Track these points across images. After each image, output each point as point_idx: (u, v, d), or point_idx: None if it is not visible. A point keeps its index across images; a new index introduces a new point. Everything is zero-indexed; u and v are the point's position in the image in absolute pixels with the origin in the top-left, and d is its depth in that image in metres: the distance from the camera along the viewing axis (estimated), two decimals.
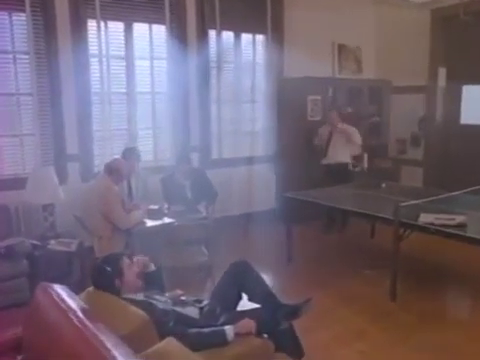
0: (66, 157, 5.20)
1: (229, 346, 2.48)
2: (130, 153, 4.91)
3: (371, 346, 3.42)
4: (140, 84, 5.64)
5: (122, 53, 5.46)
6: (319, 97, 6.37)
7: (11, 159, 4.98)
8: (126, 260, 2.74)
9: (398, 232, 3.89)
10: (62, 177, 5.11)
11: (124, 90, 5.54)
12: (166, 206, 4.89)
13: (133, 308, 2.45)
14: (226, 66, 6.24)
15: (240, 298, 2.98)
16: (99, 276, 2.64)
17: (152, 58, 5.67)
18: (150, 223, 4.45)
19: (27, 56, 4.90)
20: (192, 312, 2.76)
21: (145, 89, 5.69)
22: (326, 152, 6.02)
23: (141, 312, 2.40)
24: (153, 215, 4.59)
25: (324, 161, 6.07)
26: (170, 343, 2.10)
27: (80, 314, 2.41)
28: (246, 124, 6.51)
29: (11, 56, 4.86)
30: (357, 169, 6.58)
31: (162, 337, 2.42)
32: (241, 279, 2.96)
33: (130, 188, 4.99)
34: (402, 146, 7.17)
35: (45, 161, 5.09)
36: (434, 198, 4.33)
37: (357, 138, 5.93)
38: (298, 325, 2.94)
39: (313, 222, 6.08)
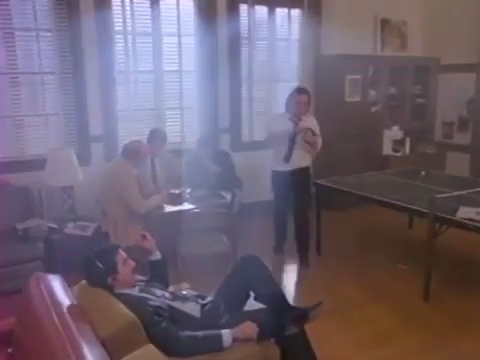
0: (89, 138, 5.07)
1: (225, 352, 2.26)
2: (154, 135, 4.70)
3: (397, 352, 3.10)
4: (167, 62, 5.40)
5: (148, 29, 5.23)
6: (359, 76, 5.94)
7: (34, 139, 4.89)
8: (122, 254, 2.53)
9: (433, 227, 3.51)
10: (85, 158, 5.02)
11: (150, 68, 5.33)
12: (188, 191, 4.69)
13: (120, 307, 2.26)
14: (258, 43, 5.90)
15: (248, 297, 2.74)
16: (90, 272, 2.45)
17: (180, 35, 5.42)
18: (168, 208, 4.26)
19: (49, 34, 4.77)
20: (192, 309, 2.54)
21: (172, 67, 5.46)
22: (290, 155, 4.33)
23: (128, 313, 2.20)
24: (173, 200, 4.38)
25: (281, 167, 4.44)
26: (147, 350, 1.88)
27: (64, 311, 2.24)
28: (279, 105, 6.15)
29: (34, 34, 4.73)
30: (398, 154, 6.16)
31: (152, 338, 2.24)
32: (250, 276, 2.71)
33: (154, 171, 4.81)
34: (448, 130, 6.64)
35: (69, 141, 4.98)
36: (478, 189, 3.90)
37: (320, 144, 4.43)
38: (317, 326, 2.70)
39: (349, 209, 5.74)
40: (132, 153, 4.19)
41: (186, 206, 4.35)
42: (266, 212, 5.00)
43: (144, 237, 2.90)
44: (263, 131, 5.97)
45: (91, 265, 2.45)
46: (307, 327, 2.60)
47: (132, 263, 2.54)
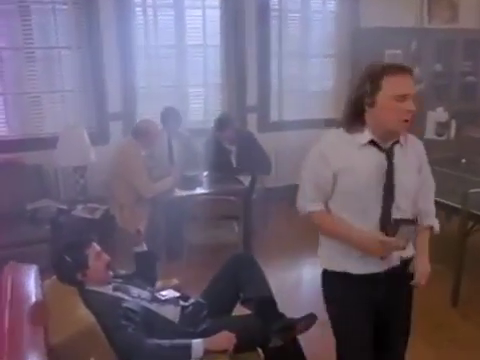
0: (108, 115, 4.89)
1: None
2: (168, 114, 4.46)
3: None
4: (190, 36, 5.10)
5: (170, 1, 4.94)
6: (399, 51, 5.39)
7: (50, 117, 4.76)
8: (94, 248, 2.31)
9: (465, 225, 3.08)
10: (104, 137, 4.85)
11: (172, 43, 5.05)
12: (205, 174, 4.43)
13: (80, 311, 2.04)
14: (290, 15, 5.48)
15: (238, 300, 2.47)
16: (59, 267, 2.25)
17: (204, 7, 5.09)
18: (179, 192, 4.02)
19: (66, 6, 4.57)
20: (170, 313, 2.29)
21: (196, 42, 5.15)
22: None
23: (86, 318, 1.99)
24: (186, 183, 4.15)
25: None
26: None
27: (22, 309, 2.06)
28: (313, 82, 5.76)
29: (50, 7, 4.55)
30: (442, 138, 5.61)
31: (115, 344, 2.02)
32: (240, 277, 2.42)
33: (171, 152, 4.57)
34: None
35: (86, 119, 4.82)
36: None
37: None
38: (321, 335, 2.34)
39: None
40: (141, 133, 3.97)
41: (198, 191, 4.10)
42: (292, 198, 4.67)
43: (139, 232, 2.72)
44: (294, 112, 5.71)
45: (59, 259, 2.25)
46: (308, 337, 2.30)
47: (106, 258, 2.32)
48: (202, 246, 3.77)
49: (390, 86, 1.71)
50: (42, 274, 2.38)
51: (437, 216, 2.11)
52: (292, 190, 5.00)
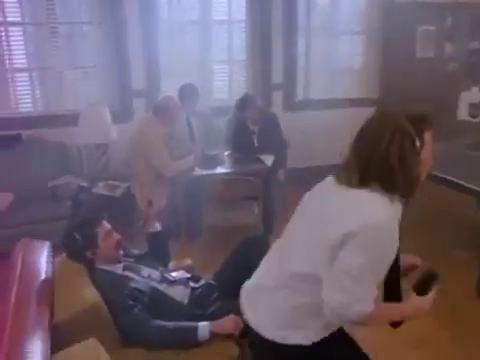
0: (131, 92, 4.84)
1: (197, 348, 1.96)
2: (185, 91, 4.36)
3: None
4: (215, 11, 4.97)
5: None
6: (433, 27, 5.15)
7: (73, 93, 4.74)
8: (105, 227, 2.28)
9: None
10: (127, 114, 4.81)
11: (196, 18, 4.94)
12: (226, 153, 4.35)
13: (87, 290, 2.03)
14: None
15: None
16: (68, 244, 2.24)
17: None
18: (199, 171, 3.96)
19: None
20: (179, 294, 2.26)
21: (221, 17, 5.02)
22: None
23: (92, 297, 1.98)
24: (207, 163, 4.09)
25: None
26: (88, 345, 1.63)
27: (30, 285, 2.05)
28: (341, 60, 5.56)
29: None
30: (476, 120, 5.35)
31: (120, 324, 1.99)
32: (252, 260, 2.35)
33: (191, 130, 4.50)
34: None
35: (109, 96, 4.78)
36: None
37: None
38: None
39: None
40: (161, 110, 3.91)
41: (218, 170, 4.03)
42: (318, 179, 4.56)
43: (150, 204, 2.64)
44: (321, 91, 5.53)
45: (70, 237, 2.23)
46: None
47: (116, 237, 2.30)
48: (221, 227, 3.71)
49: (429, 140, 1.56)
50: (57, 251, 2.38)
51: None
52: (313, 171, 4.94)
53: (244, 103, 4.34)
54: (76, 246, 2.21)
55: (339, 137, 5.18)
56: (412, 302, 1.64)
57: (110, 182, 4.20)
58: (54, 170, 4.25)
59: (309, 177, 4.73)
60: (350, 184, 1.54)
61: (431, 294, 1.64)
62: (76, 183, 4.11)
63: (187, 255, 2.91)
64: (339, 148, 5.05)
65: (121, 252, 2.30)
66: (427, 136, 1.54)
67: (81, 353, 1.61)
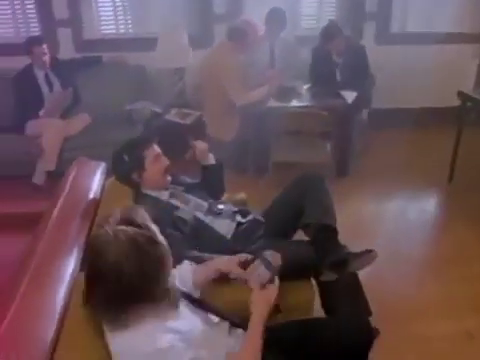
0: (213, 17, 4.65)
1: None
2: (272, 15, 4.09)
3: None
4: None
5: None
6: None
7: (155, 16, 4.63)
8: (154, 150, 2.19)
9: None
10: (207, 40, 4.65)
11: None
12: (306, 86, 4.10)
13: None
14: None
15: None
16: (116, 165, 2.21)
17: None
18: (273, 103, 3.77)
19: None
20: (224, 227, 2.18)
21: None
22: None
23: None
24: (282, 95, 3.89)
25: None
26: None
27: (76, 203, 2.08)
28: None
29: None
30: None
31: None
32: (305, 199, 2.19)
33: (273, 59, 4.27)
34: None
35: (191, 21, 4.63)
36: None
37: None
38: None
39: None
40: (238, 35, 3.71)
41: (294, 103, 3.81)
42: (407, 123, 4.22)
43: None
44: (420, 23, 4.94)
45: (118, 158, 2.19)
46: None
47: (165, 162, 2.20)
48: (290, 164, 3.52)
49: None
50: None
51: None
52: (401, 114, 4.55)
53: (329, 32, 4.01)
54: (123, 167, 2.17)
55: (436, 77, 4.77)
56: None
57: (182, 109, 4.16)
58: (132, 94, 4.28)
59: (396, 120, 4.45)
60: None
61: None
62: (150, 108, 4.11)
63: (252, 190, 2.81)
64: (428, 90, 4.46)
65: (169, 179, 2.22)
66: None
67: None
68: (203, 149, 2.43)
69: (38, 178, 3.84)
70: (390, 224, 3.40)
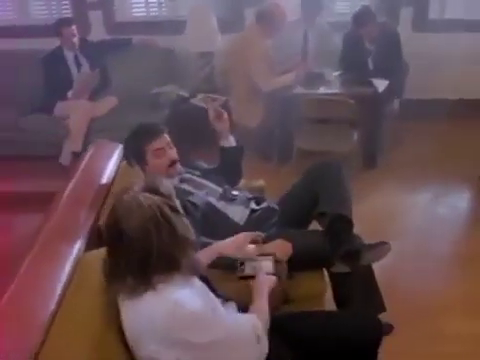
0: (243, 0, 4.57)
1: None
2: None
3: None
4: None
5: None
6: None
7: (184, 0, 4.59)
8: (157, 144, 2.04)
9: None
10: (238, 24, 4.56)
11: None
12: (336, 73, 3.98)
13: None
14: None
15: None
16: (124, 151, 2.20)
17: None
18: (298, 90, 3.68)
19: None
20: (237, 214, 2.13)
21: None
22: None
23: None
24: (310, 81, 3.79)
25: None
26: None
27: (86, 186, 2.08)
28: None
29: None
30: None
31: None
32: (319, 188, 2.11)
33: (306, 46, 4.15)
34: None
35: (221, 4, 4.55)
36: None
37: None
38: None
39: None
40: (265, 18, 3.64)
41: (320, 90, 3.72)
42: (440, 115, 4.06)
43: (219, 116, 2.40)
44: (460, 9, 4.71)
45: (126, 144, 2.18)
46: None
47: (170, 155, 2.07)
48: (315, 152, 3.43)
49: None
50: None
51: None
52: (435, 105, 4.36)
53: (361, 17, 3.87)
54: (128, 155, 2.15)
55: (473, 67, 4.55)
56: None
57: (210, 95, 4.10)
58: (159, 77, 4.27)
59: (429, 111, 4.28)
60: None
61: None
62: (176, 92, 4.09)
63: (273, 178, 2.75)
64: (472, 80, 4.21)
65: (176, 170, 2.12)
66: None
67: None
68: (226, 128, 2.36)
69: (64, 159, 3.89)
70: (418, 219, 3.29)
